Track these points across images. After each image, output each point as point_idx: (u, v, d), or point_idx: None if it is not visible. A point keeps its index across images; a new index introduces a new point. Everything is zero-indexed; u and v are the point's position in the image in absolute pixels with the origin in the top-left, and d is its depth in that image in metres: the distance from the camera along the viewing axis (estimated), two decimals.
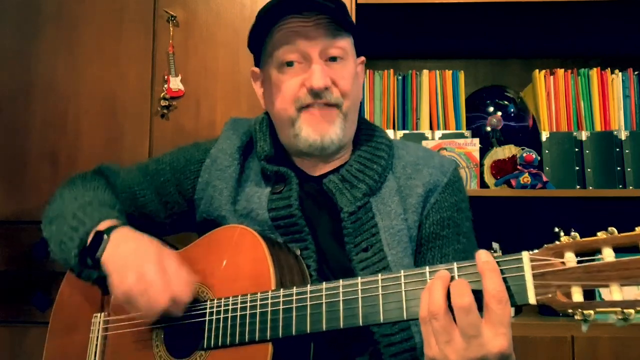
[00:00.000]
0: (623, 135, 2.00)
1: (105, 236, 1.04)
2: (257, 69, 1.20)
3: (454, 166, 1.17)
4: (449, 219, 1.12)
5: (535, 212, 2.12)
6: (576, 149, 2.00)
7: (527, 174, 1.92)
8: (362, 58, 1.21)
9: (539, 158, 1.95)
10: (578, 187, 1.97)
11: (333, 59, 1.10)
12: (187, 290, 0.99)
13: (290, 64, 1.09)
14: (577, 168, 1.99)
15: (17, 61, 1.93)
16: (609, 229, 0.71)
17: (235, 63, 1.92)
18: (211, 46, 1.93)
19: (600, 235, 0.72)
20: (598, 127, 2.06)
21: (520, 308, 2.15)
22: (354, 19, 1.87)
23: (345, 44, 1.11)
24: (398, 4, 1.94)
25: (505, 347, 0.73)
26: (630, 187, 1.95)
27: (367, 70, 2.12)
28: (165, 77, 1.92)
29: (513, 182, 1.93)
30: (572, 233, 0.74)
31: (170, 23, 1.93)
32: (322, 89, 1.07)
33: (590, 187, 1.96)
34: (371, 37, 2.13)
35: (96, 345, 1.12)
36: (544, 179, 1.93)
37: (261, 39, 1.14)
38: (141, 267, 0.98)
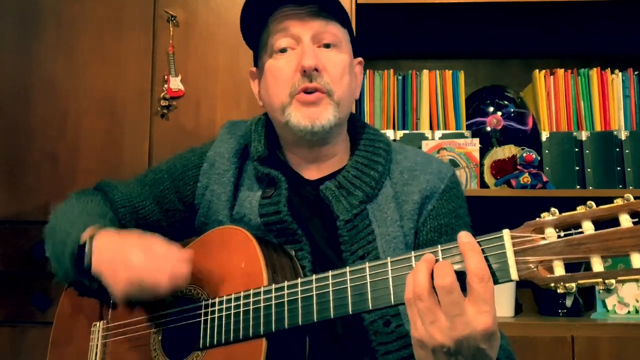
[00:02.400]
0: (623, 135, 2.00)
1: (87, 246, 1.04)
2: (254, 69, 1.21)
3: (451, 172, 1.16)
4: (447, 225, 1.11)
5: (535, 212, 2.12)
6: (576, 149, 2.00)
7: (527, 174, 1.92)
8: (360, 59, 1.21)
9: (539, 158, 1.95)
10: (578, 187, 1.97)
11: (326, 45, 1.09)
12: (183, 265, 0.98)
13: (283, 50, 1.09)
14: (577, 168, 1.99)
15: (17, 61, 1.94)
16: (588, 202, 0.73)
17: (235, 63, 1.92)
18: (211, 46, 1.93)
19: (580, 209, 0.73)
20: (598, 127, 2.06)
21: (520, 307, 2.15)
22: (353, 19, 1.87)
23: (337, 32, 1.10)
24: (398, 4, 1.94)
25: (490, 324, 0.74)
26: (630, 187, 1.95)
27: (367, 70, 2.12)
28: (165, 77, 1.92)
29: (513, 182, 1.93)
30: (552, 209, 0.75)
31: (170, 23, 1.93)
32: (312, 69, 1.05)
33: (590, 187, 1.96)
34: (371, 37, 2.13)
35: (96, 353, 1.12)
36: (544, 179, 1.93)
37: (257, 34, 1.14)
38: (127, 259, 0.97)
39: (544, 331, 1.78)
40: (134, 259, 0.97)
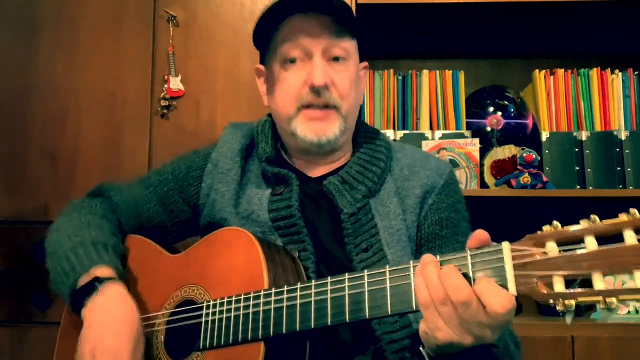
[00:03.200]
0: (623, 135, 2.00)
1: (97, 285, 1.02)
2: (261, 66, 1.22)
3: (449, 169, 1.19)
4: (447, 219, 1.13)
5: (535, 212, 2.12)
6: (576, 149, 2.00)
7: (527, 174, 1.92)
8: (365, 63, 1.22)
9: (539, 158, 1.95)
10: (578, 187, 1.97)
11: (335, 59, 1.11)
12: None
13: (293, 60, 1.11)
14: (577, 168, 1.99)
15: (17, 61, 1.93)
16: (592, 216, 0.70)
17: (235, 63, 1.92)
18: (211, 46, 1.93)
19: (583, 223, 0.70)
20: (598, 127, 2.06)
21: (520, 307, 2.15)
22: None
23: (348, 46, 1.12)
24: (398, 4, 1.94)
25: (509, 304, 0.73)
26: (630, 187, 1.95)
27: (367, 71, 2.12)
28: (165, 77, 1.92)
29: (513, 182, 1.93)
30: (554, 222, 0.72)
31: (170, 23, 1.93)
32: (322, 87, 1.07)
33: (590, 187, 1.96)
34: (371, 37, 2.13)
35: None
36: (544, 179, 1.93)
37: (267, 35, 1.15)
38: (101, 341, 0.96)
39: (544, 331, 1.78)
40: (106, 343, 0.96)
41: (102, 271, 1.05)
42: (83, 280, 1.04)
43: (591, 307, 2.08)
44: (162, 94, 1.91)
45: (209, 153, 1.22)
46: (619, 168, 1.97)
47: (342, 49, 1.11)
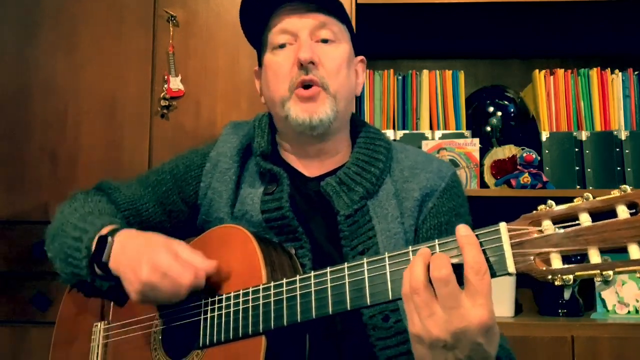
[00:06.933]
0: (623, 135, 2.00)
1: (109, 239, 1.03)
2: (257, 68, 1.22)
3: (452, 171, 1.17)
4: (447, 223, 1.11)
5: None
6: (576, 149, 2.00)
7: (527, 174, 1.92)
8: (362, 57, 1.21)
9: (539, 158, 1.95)
10: (578, 187, 1.97)
11: (324, 41, 1.11)
12: (203, 274, 0.98)
13: (282, 46, 1.11)
14: (577, 168, 1.99)
15: (17, 61, 1.94)
16: (585, 194, 0.73)
17: (235, 63, 1.92)
18: (211, 46, 1.93)
19: (577, 201, 0.73)
20: (598, 127, 2.06)
21: (520, 307, 2.15)
22: (354, 19, 1.87)
23: (335, 28, 1.12)
24: (398, 4, 1.94)
25: (486, 317, 0.73)
26: (631, 187, 1.94)
27: (367, 70, 2.12)
28: (165, 77, 1.92)
29: (513, 182, 1.93)
30: (549, 201, 0.75)
31: (170, 23, 1.93)
32: (308, 62, 1.07)
33: (591, 187, 1.96)
34: (371, 37, 2.13)
35: (97, 353, 1.12)
36: (544, 179, 1.93)
37: (260, 33, 1.16)
38: (153, 257, 0.96)
39: (544, 331, 1.78)
40: (161, 259, 0.95)
41: (112, 227, 1.06)
42: (96, 239, 1.05)
43: (591, 306, 2.06)
44: (162, 94, 1.91)
45: (208, 152, 1.21)
46: (619, 168, 1.97)
47: (329, 30, 1.11)
